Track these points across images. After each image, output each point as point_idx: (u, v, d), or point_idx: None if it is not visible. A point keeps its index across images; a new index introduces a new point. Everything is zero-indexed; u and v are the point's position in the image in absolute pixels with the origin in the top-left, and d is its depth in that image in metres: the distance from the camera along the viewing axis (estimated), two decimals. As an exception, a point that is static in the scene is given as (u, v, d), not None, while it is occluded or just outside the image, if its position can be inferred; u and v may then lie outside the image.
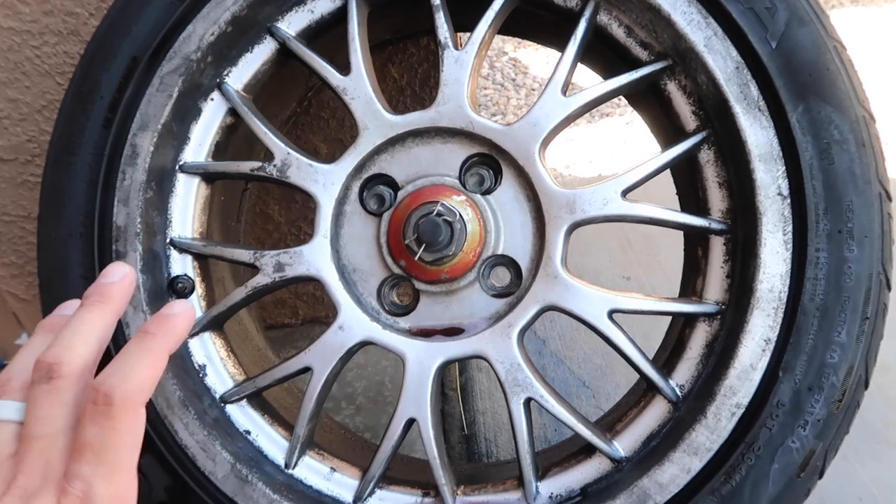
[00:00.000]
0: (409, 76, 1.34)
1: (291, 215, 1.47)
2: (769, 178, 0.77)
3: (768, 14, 0.77)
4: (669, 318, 0.96)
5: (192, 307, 0.49)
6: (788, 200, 0.77)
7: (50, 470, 0.40)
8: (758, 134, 0.78)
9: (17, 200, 1.44)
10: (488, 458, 1.25)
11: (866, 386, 0.78)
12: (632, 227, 1.87)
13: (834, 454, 0.77)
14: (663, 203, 0.84)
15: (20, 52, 1.27)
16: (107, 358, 0.47)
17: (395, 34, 1.16)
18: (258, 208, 1.44)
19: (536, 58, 3.58)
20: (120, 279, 0.49)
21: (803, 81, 0.77)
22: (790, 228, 0.77)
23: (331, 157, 0.88)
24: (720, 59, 0.79)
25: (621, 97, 0.95)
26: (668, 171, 0.91)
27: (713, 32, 0.79)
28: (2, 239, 1.49)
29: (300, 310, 1.61)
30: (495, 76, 3.42)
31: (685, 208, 0.94)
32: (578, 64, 0.88)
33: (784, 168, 0.77)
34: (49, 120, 1.34)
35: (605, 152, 2.64)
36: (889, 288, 0.78)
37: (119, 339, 0.85)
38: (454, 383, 1.42)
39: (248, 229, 1.40)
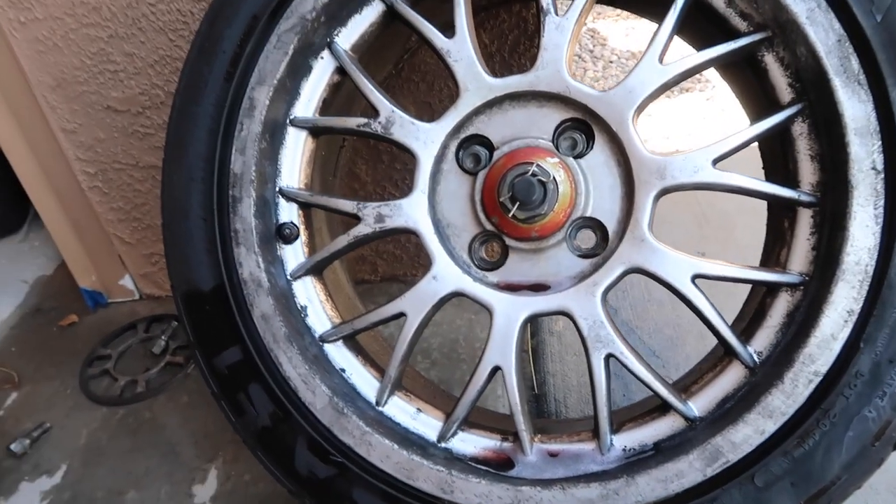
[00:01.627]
0: (500, 42, 1.37)
1: (377, 175, 1.54)
2: (864, 152, 0.78)
3: (875, -13, 0.77)
4: (746, 291, 0.98)
5: None
6: (882, 175, 0.78)
7: None
8: (856, 108, 0.78)
9: (127, 150, 1.55)
10: (557, 417, 1.30)
11: (950, 362, 0.78)
12: (708, 202, 1.86)
13: (911, 427, 0.79)
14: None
15: (137, 8, 1.37)
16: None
17: (492, 1, 1.19)
18: (348, 167, 1.51)
19: (615, 30, 3.53)
20: None
21: (907, 57, 0.77)
22: (882, 203, 0.78)
23: (426, 120, 0.92)
24: (822, 32, 0.80)
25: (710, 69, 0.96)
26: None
27: (816, 4, 0.80)
28: (112, 185, 1.61)
29: (380, 267, 1.69)
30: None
31: (771, 179, 0.95)
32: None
33: (880, 143, 0.78)
34: (161, 74, 1.43)
35: (682, 128, 2.60)
36: (980, 267, 0.78)
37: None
38: (526, 345, 1.47)
39: (339, 187, 1.47)
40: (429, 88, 1.42)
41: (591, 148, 0.90)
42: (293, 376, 0.91)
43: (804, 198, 0.84)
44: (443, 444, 0.91)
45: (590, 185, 0.90)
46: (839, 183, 0.80)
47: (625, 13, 3.50)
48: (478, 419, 0.96)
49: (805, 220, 0.86)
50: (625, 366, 0.85)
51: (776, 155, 0.92)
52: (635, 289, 1.58)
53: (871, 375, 0.77)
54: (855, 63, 0.79)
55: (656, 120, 2.69)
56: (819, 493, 0.78)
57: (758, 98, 0.93)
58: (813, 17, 0.80)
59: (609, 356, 0.86)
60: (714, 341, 0.90)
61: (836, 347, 0.78)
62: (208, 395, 0.96)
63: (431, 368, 1.46)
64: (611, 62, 3.27)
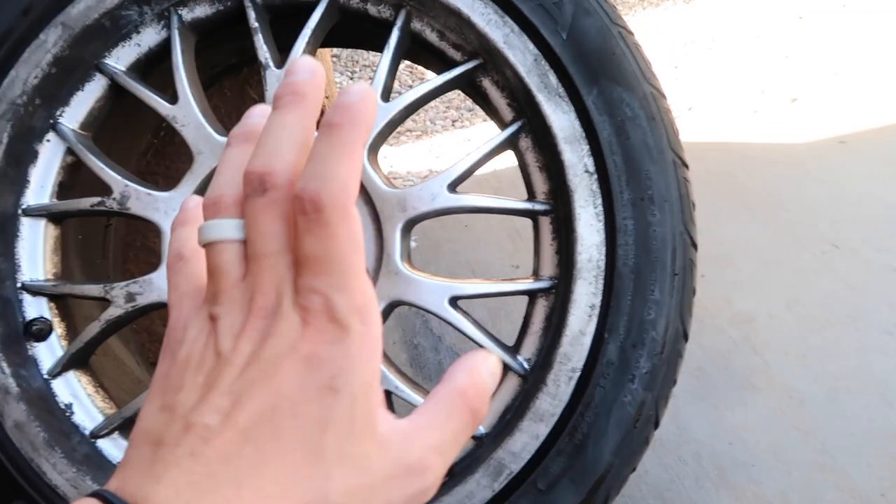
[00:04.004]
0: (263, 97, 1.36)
1: (173, 246, 1.48)
2: (576, 158, 0.84)
3: (556, 8, 0.84)
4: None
5: (371, 89, 0.40)
6: (595, 176, 0.84)
7: (284, 288, 0.36)
8: (561, 118, 0.84)
9: None
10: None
11: (685, 337, 0.85)
12: (521, 219, 1.94)
13: (665, 403, 0.84)
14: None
15: None
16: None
17: (243, 57, 1.19)
18: (138, 242, 1.44)
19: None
20: (311, 74, 0.41)
21: (594, 67, 0.84)
22: (599, 201, 0.84)
23: (167, 188, 0.90)
24: (520, 54, 0.85)
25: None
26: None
27: (510, 30, 0.86)
28: None
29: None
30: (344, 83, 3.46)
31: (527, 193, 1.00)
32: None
33: (588, 147, 0.84)
34: None
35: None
36: (694, 246, 0.85)
37: None
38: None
39: (131, 264, 1.40)
40: (208, 151, 1.39)
41: (338, 191, 0.90)
42: (60, 483, 0.83)
43: (539, 206, 0.89)
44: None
45: (341, 227, 0.90)
46: (562, 188, 0.85)
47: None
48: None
49: (546, 226, 0.90)
50: (403, 399, 0.85)
51: (520, 170, 0.97)
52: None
53: (620, 362, 0.81)
54: (553, 78, 0.85)
55: (445, 160, 2.77)
56: (598, 483, 0.81)
57: (494, 118, 0.98)
58: (510, 42, 0.86)
59: (388, 393, 0.85)
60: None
61: (587, 342, 0.82)
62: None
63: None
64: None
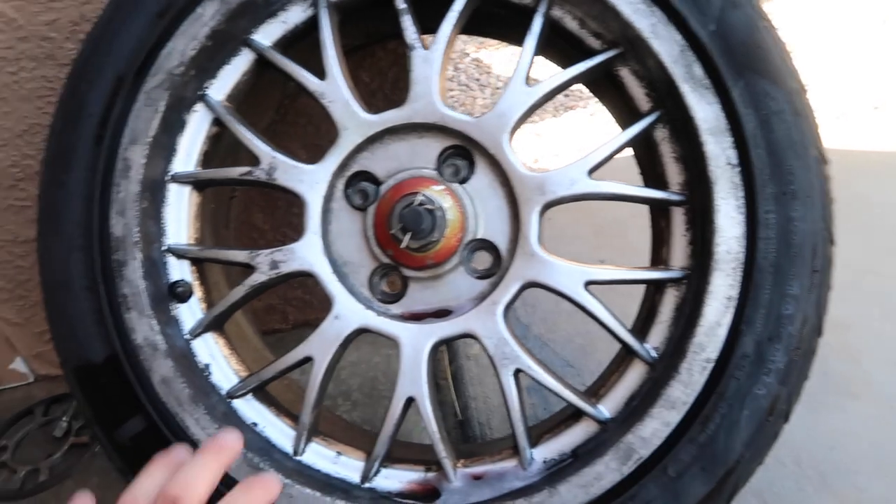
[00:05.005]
0: (381, 80, 1.39)
1: (275, 222, 1.52)
2: (719, 150, 0.84)
3: (705, 0, 0.85)
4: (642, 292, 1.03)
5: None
6: (738, 168, 0.84)
7: None
8: (705, 110, 0.85)
9: (3, 225, 1.46)
10: (483, 440, 1.30)
11: (819, 334, 0.85)
12: (602, 212, 1.95)
13: (797, 398, 0.85)
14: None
15: (-2, 78, 1.30)
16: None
17: (366, 40, 1.21)
18: (244, 217, 1.48)
19: (498, 57, 3.66)
20: (233, 440, 0.61)
21: (740, 59, 0.84)
22: (741, 194, 0.84)
23: (311, 161, 0.93)
24: (665, 44, 0.86)
25: (584, 89, 1.02)
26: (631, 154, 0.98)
27: (657, 19, 0.86)
28: (-10, 265, 1.51)
29: (290, 314, 1.66)
30: (460, 77, 3.48)
31: (647, 184, 1.01)
32: (539, 57, 0.94)
33: (731, 139, 0.84)
34: (31, 144, 1.37)
35: (570, 144, 2.72)
36: (832, 243, 0.85)
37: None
38: (445, 373, 1.48)
39: (236, 238, 1.44)
40: (316, 130, 1.43)
41: (474, 172, 0.93)
42: (203, 437, 0.87)
43: (674, 197, 0.90)
44: (367, 485, 0.90)
45: (477, 207, 0.92)
46: (702, 180, 0.86)
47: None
48: (402, 453, 0.95)
49: (679, 217, 0.91)
50: (533, 378, 0.87)
51: (647, 160, 0.98)
52: (544, 303, 1.63)
53: (756, 355, 0.82)
54: (698, 70, 0.85)
55: (546, 139, 2.80)
56: (728, 474, 0.82)
57: (623, 109, 0.99)
58: (656, 32, 0.86)
59: (518, 371, 0.87)
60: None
61: (722, 333, 0.83)
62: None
63: (353, 410, 1.43)
64: (497, 88, 3.38)
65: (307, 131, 1.41)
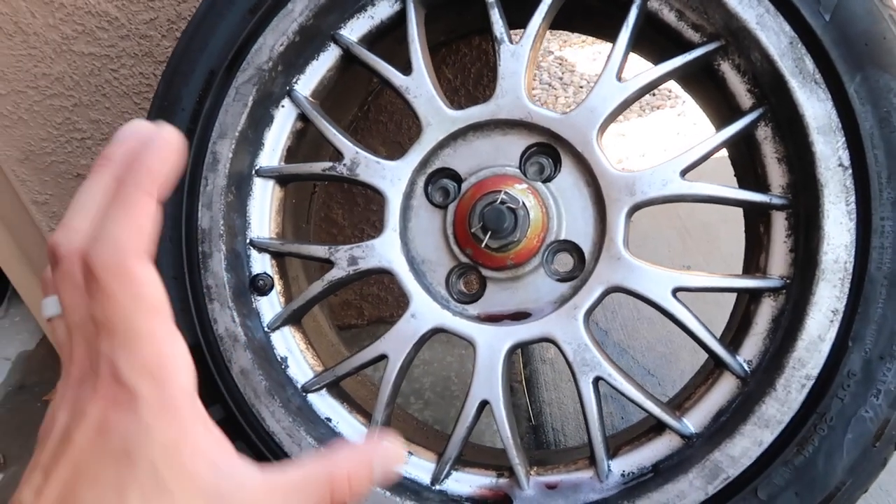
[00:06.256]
0: (463, 76, 1.38)
1: (354, 218, 1.53)
2: (829, 150, 0.78)
3: (820, -13, 0.78)
4: (733, 300, 0.97)
5: (173, 131, 0.38)
6: (850, 171, 0.77)
7: (93, 356, 0.36)
8: (815, 107, 0.79)
9: (101, 215, 1.53)
10: (556, 446, 1.27)
11: (941, 353, 0.77)
12: (689, 215, 1.86)
13: (910, 423, 0.77)
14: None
15: (100, 75, 1.37)
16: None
17: (448, 35, 1.20)
18: (323, 213, 1.50)
19: (582, 55, 3.58)
20: (126, 140, 0.39)
21: (859, 52, 0.77)
22: (853, 199, 0.77)
23: (391, 159, 0.92)
24: (773, 36, 0.80)
25: (672, 86, 0.97)
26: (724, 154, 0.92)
27: (765, 9, 0.80)
28: (88, 252, 1.58)
29: (365, 310, 1.67)
30: (542, 76, 3.43)
31: (743, 186, 0.95)
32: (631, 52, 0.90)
33: (844, 139, 0.78)
34: (128, 138, 1.43)
35: (657, 145, 2.62)
36: (960, 254, 0.77)
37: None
38: (519, 376, 1.45)
39: (315, 233, 1.46)
40: (397, 128, 1.43)
41: (559, 171, 0.89)
42: (277, 430, 0.88)
43: (776, 201, 0.84)
44: (437, 487, 0.88)
45: (561, 207, 0.89)
46: (809, 182, 0.80)
47: (590, 39, 3.57)
48: (473, 456, 0.94)
49: (780, 222, 0.85)
50: (614, 387, 0.83)
51: (745, 161, 0.92)
52: (624, 309, 1.57)
53: (864, 374, 0.75)
54: (809, 63, 0.79)
55: (631, 139, 2.72)
56: (825, 501, 0.75)
57: (720, 106, 0.94)
58: (763, 22, 0.81)
59: (597, 379, 0.84)
60: (706, 355, 0.88)
61: (825, 349, 0.77)
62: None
63: (425, 409, 1.43)
64: (580, 87, 3.31)
65: (388, 128, 1.41)
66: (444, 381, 1.51)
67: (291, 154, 1.00)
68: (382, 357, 0.89)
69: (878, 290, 0.75)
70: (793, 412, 0.77)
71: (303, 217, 1.17)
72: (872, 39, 0.78)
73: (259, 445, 0.88)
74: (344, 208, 1.52)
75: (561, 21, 0.99)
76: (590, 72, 3.41)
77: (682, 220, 1.79)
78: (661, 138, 2.66)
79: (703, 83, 0.93)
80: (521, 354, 1.48)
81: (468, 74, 1.38)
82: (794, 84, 0.79)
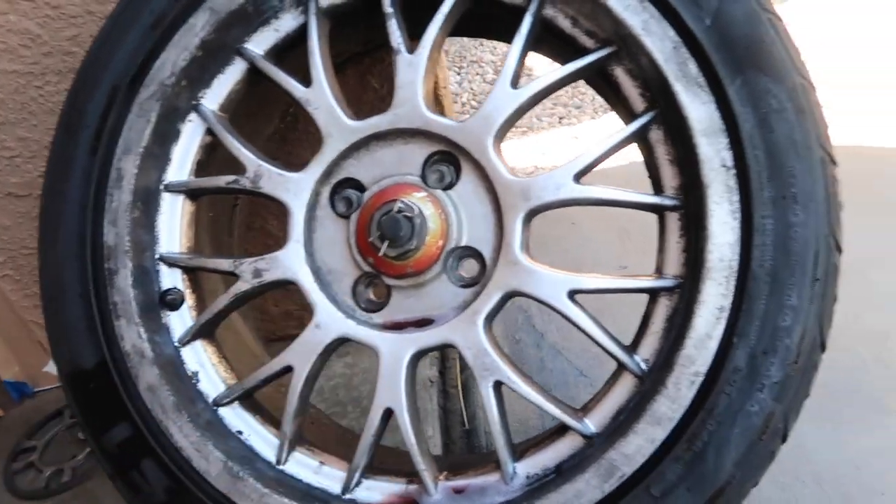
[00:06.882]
0: (389, 84, 1.38)
1: (290, 228, 1.53)
2: (712, 151, 0.80)
3: (700, -7, 0.80)
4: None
5: None
6: (733, 171, 0.79)
7: None
8: (699, 109, 0.80)
9: (34, 233, 1.52)
10: (487, 449, 1.28)
11: (823, 348, 0.79)
12: (629, 217, 1.88)
13: (796, 416, 0.79)
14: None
15: (25, 93, 1.36)
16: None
17: (366, 46, 1.21)
18: (257, 224, 1.50)
19: (540, 59, 3.60)
20: None
21: (739, 55, 0.79)
22: (736, 198, 0.79)
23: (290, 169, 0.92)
24: (658, 41, 0.82)
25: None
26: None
27: (650, 15, 0.82)
28: (23, 272, 1.57)
29: (306, 320, 1.66)
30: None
31: (654, 188, 0.96)
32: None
33: (727, 140, 0.79)
34: (56, 155, 1.42)
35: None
36: (839, 250, 0.79)
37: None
38: (455, 381, 1.46)
39: (249, 245, 1.46)
40: (327, 137, 1.43)
41: (460, 178, 0.90)
42: (185, 445, 0.88)
43: (667, 202, 0.86)
44: (347, 496, 0.89)
45: (462, 214, 0.90)
46: (695, 183, 0.81)
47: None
48: (387, 463, 0.94)
49: (673, 223, 0.87)
50: (514, 391, 0.84)
51: (647, 163, 0.94)
52: (564, 310, 1.58)
53: (749, 369, 0.77)
54: (693, 67, 0.81)
55: (584, 142, 2.74)
56: (716, 495, 0.77)
57: (621, 110, 0.95)
58: (648, 28, 0.82)
59: (498, 383, 0.85)
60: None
61: (713, 346, 0.78)
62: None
63: (362, 416, 1.42)
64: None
65: (317, 137, 1.41)
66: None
67: (202, 167, 1.00)
68: (288, 369, 0.89)
69: (761, 286, 0.77)
70: (683, 409, 0.78)
71: (224, 230, 1.17)
72: (752, 43, 0.80)
73: (167, 462, 0.88)
74: (279, 219, 1.51)
75: (465, 29, 1.00)
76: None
77: (621, 222, 1.82)
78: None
79: (605, 88, 0.95)
80: (458, 360, 1.49)
81: (394, 82, 1.39)
82: (679, 88, 0.81)
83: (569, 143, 2.74)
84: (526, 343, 1.49)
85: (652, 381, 0.82)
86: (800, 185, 0.78)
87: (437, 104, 1.46)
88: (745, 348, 0.77)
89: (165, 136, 0.96)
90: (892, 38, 2.74)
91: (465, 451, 1.29)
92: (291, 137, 1.40)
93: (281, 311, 1.62)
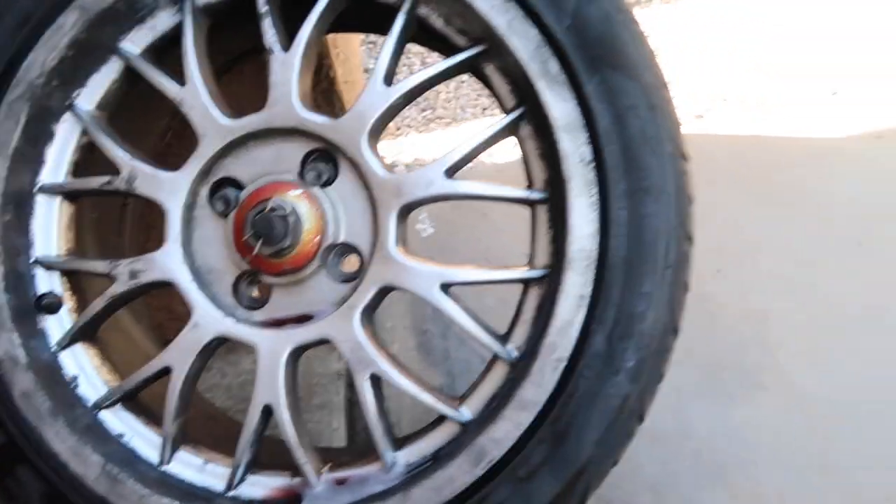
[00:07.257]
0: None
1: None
2: (573, 147, 0.83)
3: (560, -6, 0.83)
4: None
5: None
6: (592, 165, 0.83)
7: None
8: (560, 106, 0.84)
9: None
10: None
11: (675, 332, 0.84)
12: (540, 207, 1.93)
13: (651, 397, 0.84)
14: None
15: None
16: None
17: (259, 43, 1.20)
18: (159, 223, 1.48)
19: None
20: None
21: (596, 54, 0.83)
22: (595, 191, 0.83)
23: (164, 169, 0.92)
24: (522, 40, 0.85)
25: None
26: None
27: (514, 16, 0.85)
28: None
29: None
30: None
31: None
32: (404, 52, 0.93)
33: (586, 136, 0.83)
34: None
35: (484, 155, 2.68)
36: (690, 240, 0.84)
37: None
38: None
39: (151, 244, 1.43)
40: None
41: (338, 176, 0.92)
42: (61, 450, 0.87)
43: (535, 195, 0.89)
44: (231, 493, 0.89)
45: (339, 211, 0.91)
46: (558, 177, 0.85)
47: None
48: (272, 458, 0.95)
49: (542, 216, 0.90)
50: (389, 383, 0.86)
51: (523, 158, 0.97)
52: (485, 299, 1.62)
53: (607, 354, 0.81)
54: (554, 65, 0.84)
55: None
56: (578, 474, 0.81)
57: (498, 105, 0.98)
58: (513, 27, 0.85)
59: (373, 376, 0.87)
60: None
61: (574, 332, 0.82)
62: None
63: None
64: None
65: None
66: (309, 389, 1.52)
67: (81, 168, 0.98)
68: (167, 370, 0.89)
69: (617, 275, 0.81)
70: (547, 393, 0.82)
71: (114, 231, 1.16)
72: (608, 43, 0.84)
73: (42, 467, 0.87)
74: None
75: (343, 26, 1.01)
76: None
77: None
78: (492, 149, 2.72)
79: (485, 85, 0.98)
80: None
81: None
82: (542, 85, 0.84)
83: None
84: (433, 333, 1.52)
85: (521, 368, 0.85)
86: (652, 179, 0.82)
87: (335, 100, 1.47)
88: (603, 334, 0.81)
89: (38, 137, 0.94)
90: (828, 30, 2.86)
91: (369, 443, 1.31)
92: (188, 133, 1.38)
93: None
